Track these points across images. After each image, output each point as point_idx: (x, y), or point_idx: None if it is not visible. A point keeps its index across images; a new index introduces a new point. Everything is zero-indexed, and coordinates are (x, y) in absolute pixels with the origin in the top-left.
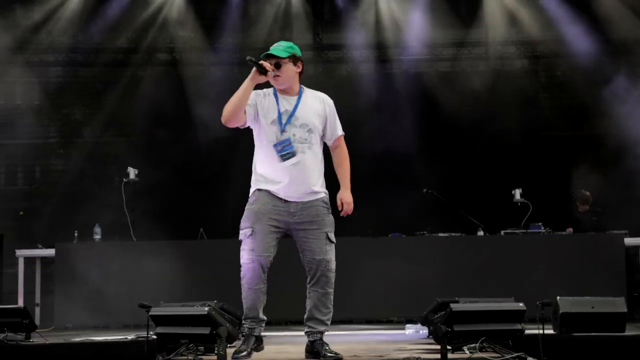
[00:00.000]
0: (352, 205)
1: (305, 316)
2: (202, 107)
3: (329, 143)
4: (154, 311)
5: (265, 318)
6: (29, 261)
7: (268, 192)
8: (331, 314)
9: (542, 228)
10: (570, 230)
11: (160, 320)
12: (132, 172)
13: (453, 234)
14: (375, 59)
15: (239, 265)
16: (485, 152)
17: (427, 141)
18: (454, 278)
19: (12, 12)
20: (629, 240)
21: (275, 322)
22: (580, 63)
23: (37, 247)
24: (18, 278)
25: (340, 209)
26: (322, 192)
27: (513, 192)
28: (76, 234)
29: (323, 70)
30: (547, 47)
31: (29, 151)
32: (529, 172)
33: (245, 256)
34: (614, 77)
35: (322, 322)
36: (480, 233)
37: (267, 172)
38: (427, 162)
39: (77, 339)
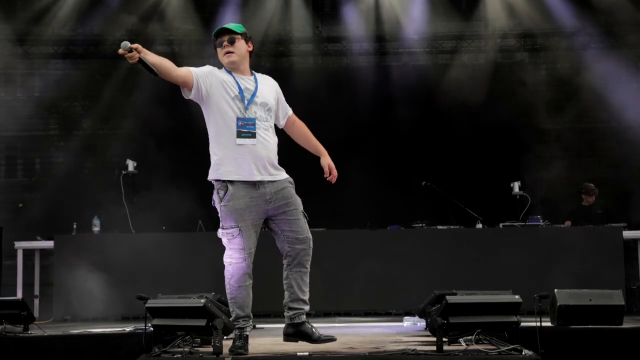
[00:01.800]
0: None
1: (288, 299)
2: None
3: (282, 123)
4: (151, 303)
5: (252, 316)
6: (28, 253)
7: (238, 182)
8: (308, 291)
9: (541, 221)
10: (568, 223)
11: (157, 312)
12: (131, 165)
13: (452, 227)
14: (375, 52)
15: None
16: (484, 145)
17: (426, 134)
18: (453, 270)
19: (12, 4)
20: (627, 234)
21: (274, 315)
22: (579, 55)
23: (36, 239)
24: (17, 270)
25: (327, 175)
26: (283, 170)
27: (512, 184)
28: (75, 226)
29: (322, 62)
30: (547, 40)
31: (28, 143)
32: (528, 165)
33: (236, 255)
34: (613, 69)
35: (305, 302)
36: (479, 226)
37: (230, 154)
38: (425, 155)
39: (75, 331)
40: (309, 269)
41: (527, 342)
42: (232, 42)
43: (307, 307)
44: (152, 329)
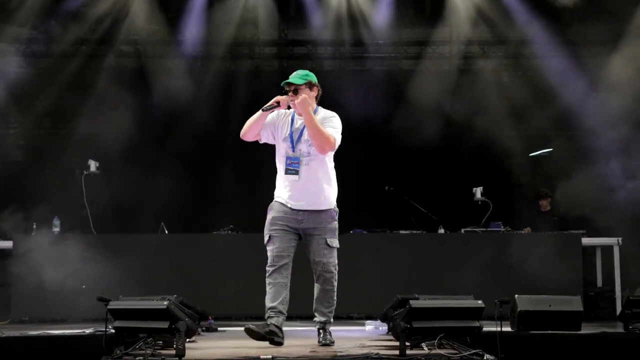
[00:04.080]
0: (299, 100)
1: (313, 307)
2: (165, 101)
3: None
4: (113, 305)
5: (284, 312)
6: None
7: (280, 202)
8: (333, 307)
9: (502, 227)
10: (528, 230)
11: (118, 314)
12: (93, 165)
13: (414, 232)
14: (340, 56)
15: (200, 260)
16: (447, 151)
17: (390, 138)
18: (415, 275)
19: None
20: (586, 240)
21: (235, 317)
22: (542, 64)
23: None
24: None
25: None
26: (328, 204)
27: (474, 190)
28: (35, 227)
29: (288, 66)
30: (510, 48)
31: None
32: (490, 171)
33: (269, 256)
34: (575, 77)
35: (324, 314)
36: (441, 231)
37: (280, 183)
38: (388, 160)
39: (34, 333)
40: (326, 288)
41: (488, 346)
42: (295, 93)
43: (323, 318)
44: (113, 330)
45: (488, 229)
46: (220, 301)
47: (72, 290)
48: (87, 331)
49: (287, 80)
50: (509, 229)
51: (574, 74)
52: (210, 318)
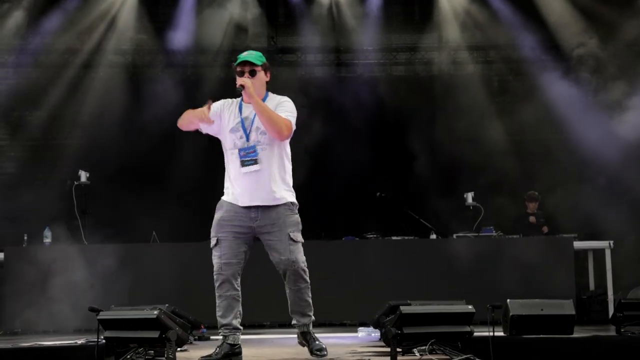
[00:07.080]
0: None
1: (289, 310)
2: (154, 109)
3: None
4: (103, 315)
5: (240, 327)
6: None
7: (229, 201)
8: (311, 305)
9: (494, 231)
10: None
11: (109, 324)
12: (84, 175)
13: (406, 237)
14: (330, 63)
15: (192, 269)
16: (438, 156)
17: (381, 145)
18: (407, 281)
19: None
20: (578, 244)
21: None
22: (531, 69)
23: None
24: None
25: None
26: (284, 197)
27: (465, 195)
28: (26, 238)
29: (277, 73)
30: (500, 53)
31: None
32: (481, 176)
33: (215, 261)
34: (564, 83)
35: (304, 315)
36: (433, 236)
37: (229, 179)
38: (380, 166)
39: (26, 344)
40: (300, 287)
41: (480, 351)
42: (253, 75)
43: (304, 320)
44: (104, 341)
45: (480, 234)
46: (213, 310)
47: (64, 301)
48: (79, 342)
49: (245, 58)
50: (500, 233)
51: (563, 79)
52: (202, 327)
